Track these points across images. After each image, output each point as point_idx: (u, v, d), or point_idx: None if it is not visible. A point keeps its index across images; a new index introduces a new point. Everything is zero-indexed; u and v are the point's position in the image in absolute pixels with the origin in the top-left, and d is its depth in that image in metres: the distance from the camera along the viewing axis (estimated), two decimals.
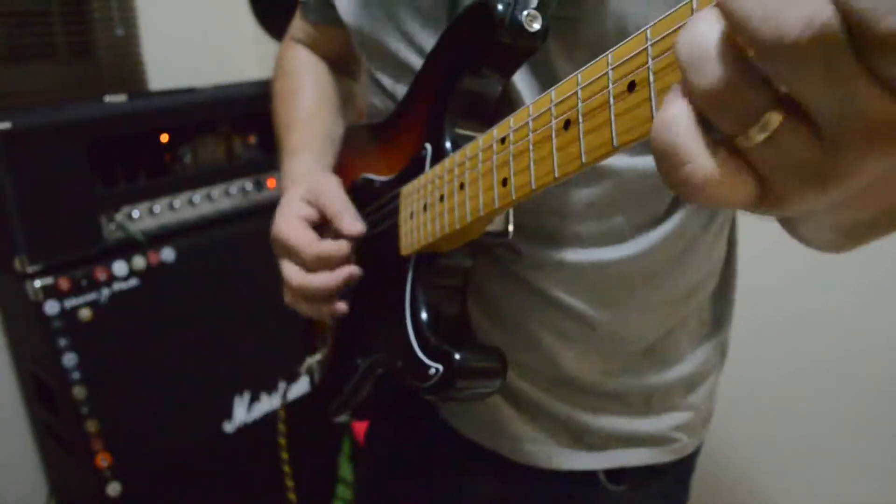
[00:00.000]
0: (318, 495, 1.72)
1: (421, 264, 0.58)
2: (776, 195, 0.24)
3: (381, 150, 0.68)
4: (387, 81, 0.67)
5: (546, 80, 0.55)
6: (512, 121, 0.43)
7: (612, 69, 0.32)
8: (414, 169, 0.59)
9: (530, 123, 0.40)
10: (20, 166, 1.20)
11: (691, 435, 0.72)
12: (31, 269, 1.24)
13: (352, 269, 0.65)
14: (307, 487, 1.61)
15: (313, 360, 0.76)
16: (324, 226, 0.68)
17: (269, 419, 1.59)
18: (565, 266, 0.61)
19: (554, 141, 0.37)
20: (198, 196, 1.47)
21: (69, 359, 1.28)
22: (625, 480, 0.69)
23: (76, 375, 1.29)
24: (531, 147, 0.40)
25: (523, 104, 0.56)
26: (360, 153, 0.73)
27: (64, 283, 1.26)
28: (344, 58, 0.83)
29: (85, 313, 1.29)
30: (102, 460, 1.33)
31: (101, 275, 1.31)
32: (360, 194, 0.69)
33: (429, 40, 0.60)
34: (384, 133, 0.68)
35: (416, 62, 0.62)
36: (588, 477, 0.69)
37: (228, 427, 1.53)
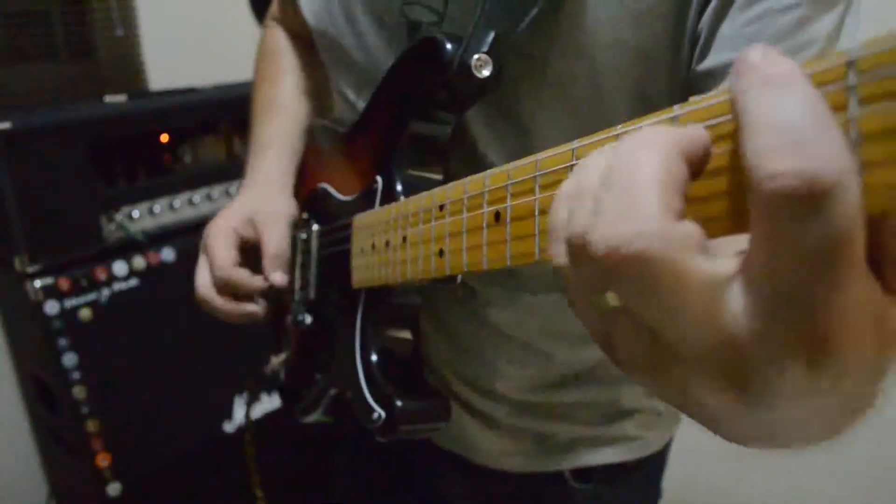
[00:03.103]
0: (313, 496, 1.72)
1: (371, 300, 0.58)
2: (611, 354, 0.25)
3: (340, 164, 0.68)
4: (350, 94, 0.67)
5: (509, 119, 0.53)
6: (450, 191, 0.42)
7: (540, 175, 0.32)
8: (366, 200, 0.59)
9: (465, 200, 0.40)
10: (20, 166, 1.20)
11: (656, 433, 0.72)
12: (31, 269, 1.23)
13: (254, 309, 0.67)
14: (302, 487, 1.61)
15: (278, 360, 0.77)
16: (252, 253, 0.69)
17: (269, 419, 1.59)
18: (520, 306, 0.60)
19: (485, 233, 0.37)
20: (198, 196, 1.46)
21: (69, 359, 1.27)
22: (592, 478, 0.70)
23: (76, 375, 1.28)
24: (464, 230, 0.39)
25: (479, 145, 0.55)
26: (322, 158, 0.73)
27: (64, 283, 1.26)
28: None
29: (85, 313, 1.29)
30: (102, 460, 1.33)
31: (101, 275, 1.30)
32: (319, 204, 0.69)
33: (389, 57, 0.58)
34: (344, 146, 0.68)
35: (377, 76, 0.60)
36: (555, 476, 0.70)
37: (228, 427, 1.53)
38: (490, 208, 0.37)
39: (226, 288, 0.66)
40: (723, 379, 0.20)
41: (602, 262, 0.20)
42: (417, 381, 0.60)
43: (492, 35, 0.48)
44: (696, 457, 1.21)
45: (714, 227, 0.22)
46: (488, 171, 0.37)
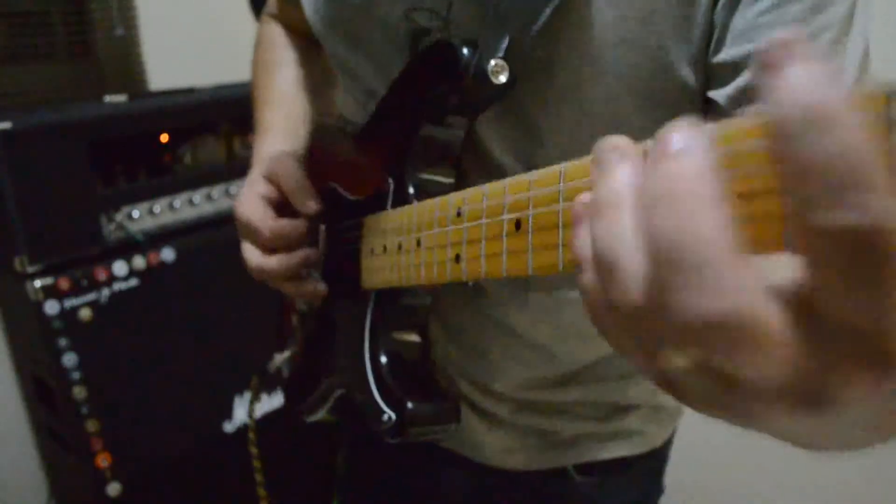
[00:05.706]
0: (318, 495, 1.72)
1: (381, 301, 0.58)
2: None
3: (349, 164, 0.68)
4: (359, 96, 0.66)
5: (517, 120, 0.53)
6: (468, 197, 0.41)
7: (564, 185, 0.31)
8: (377, 201, 0.58)
9: (484, 206, 0.39)
10: (20, 166, 1.20)
11: (659, 427, 0.72)
12: (31, 269, 1.23)
13: (308, 253, 0.65)
14: (307, 487, 1.61)
15: (282, 357, 0.77)
16: (284, 204, 0.68)
17: (269, 419, 1.59)
18: (531, 304, 0.60)
19: (504, 242, 0.36)
20: (198, 196, 1.46)
21: (69, 359, 1.28)
22: (594, 472, 0.70)
23: (76, 375, 1.29)
24: (483, 237, 0.38)
25: (489, 147, 0.54)
26: (329, 157, 0.73)
27: (64, 283, 1.26)
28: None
29: (85, 313, 1.29)
30: (102, 460, 1.33)
31: (101, 275, 1.30)
32: (329, 204, 0.69)
33: (395, 62, 0.57)
34: (353, 147, 0.67)
35: (385, 80, 0.59)
36: (558, 471, 0.70)
37: (228, 427, 1.53)
38: (510, 216, 0.36)
39: (277, 242, 0.65)
40: (801, 406, 0.21)
41: (694, 332, 0.20)
42: (427, 382, 0.60)
43: (507, 39, 0.47)
44: (698, 452, 1.21)
45: (765, 248, 0.21)
46: (508, 179, 0.36)
